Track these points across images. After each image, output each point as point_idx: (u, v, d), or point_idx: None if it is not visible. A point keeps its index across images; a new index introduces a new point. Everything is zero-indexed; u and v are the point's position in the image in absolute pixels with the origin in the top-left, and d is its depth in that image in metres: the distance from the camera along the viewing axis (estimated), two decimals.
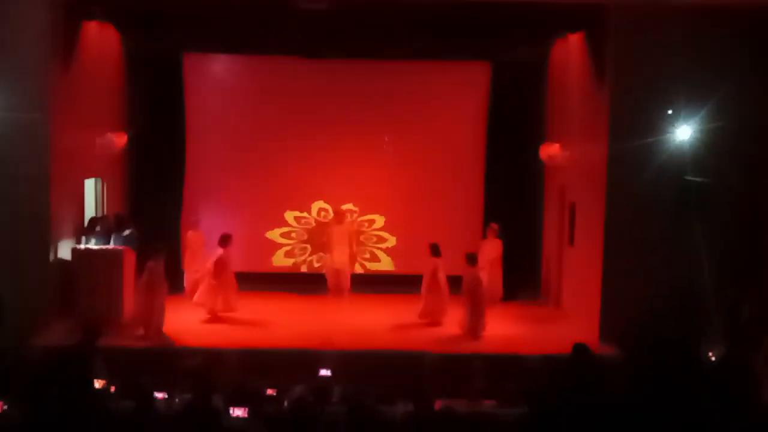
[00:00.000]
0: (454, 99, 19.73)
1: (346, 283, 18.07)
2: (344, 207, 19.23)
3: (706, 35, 14.65)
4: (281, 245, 19.83)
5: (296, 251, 19.88)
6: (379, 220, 19.82)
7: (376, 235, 19.82)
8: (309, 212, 19.74)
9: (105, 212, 17.36)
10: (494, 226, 18.36)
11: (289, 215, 19.74)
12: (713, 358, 13.34)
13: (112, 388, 10.68)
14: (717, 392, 10.17)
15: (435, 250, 16.77)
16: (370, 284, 18.81)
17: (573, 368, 10.88)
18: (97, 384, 10.48)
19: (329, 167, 19.49)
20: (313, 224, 19.60)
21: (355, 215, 19.63)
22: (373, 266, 19.77)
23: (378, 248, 19.87)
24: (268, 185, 19.57)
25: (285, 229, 19.80)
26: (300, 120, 19.38)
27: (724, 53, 14.74)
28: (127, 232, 16.27)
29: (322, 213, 19.72)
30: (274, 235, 19.77)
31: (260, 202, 19.62)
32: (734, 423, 8.86)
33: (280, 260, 19.89)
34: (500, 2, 15.20)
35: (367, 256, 19.75)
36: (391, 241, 19.84)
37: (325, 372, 11.94)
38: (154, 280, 15.03)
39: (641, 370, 11.99)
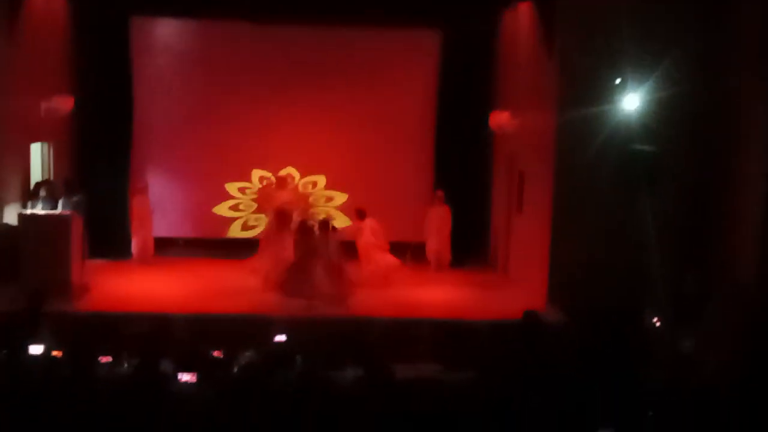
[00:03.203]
0: (404, 67, 19.71)
1: None
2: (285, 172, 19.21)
3: (654, 4, 14.74)
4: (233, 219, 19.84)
5: (249, 222, 19.82)
6: (324, 184, 19.84)
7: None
8: (250, 181, 19.69)
9: (52, 177, 17.17)
10: (440, 193, 18.49)
11: (232, 187, 19.64)
12: (658, 326, 13.56)
13: (58, 354, 10.60)
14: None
15: (360, 214, 16.86)
16: None
17: (522, 335, 11.00)
18: (42, 349, 10.40)
19: (276, 134, 19.41)
20: (256, 193, 19.52)
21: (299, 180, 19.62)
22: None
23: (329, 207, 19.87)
24: (215, 150, 19.44)
25: (231, 202, 19.73)
26: (247, 87, 19.27)
27: (672, 22, 14.80)
28: (75, 197, 16.12)
29: (264, 180, 19.66)
30: (222, 209, 19.70)
31: (207, 167, 19.48)
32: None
33: (237, 233, 19.82)
34: None
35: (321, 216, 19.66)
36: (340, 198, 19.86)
37: (280, 338, 11.93)
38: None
39: (586, 336, 12.18)
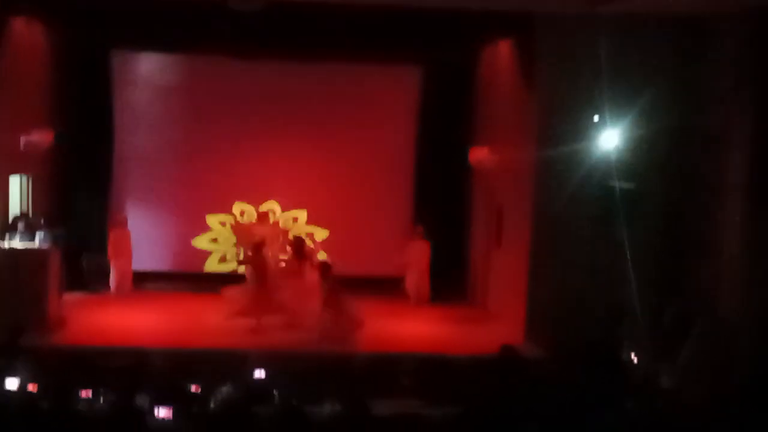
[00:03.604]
0: (384, 102, 19.81)
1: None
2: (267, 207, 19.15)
3: (634, 43, 14.87)
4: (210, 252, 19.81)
5: (228, 256, 19.78)
6: (304, 218, 19.79)
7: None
8: (230, 213, 19.64)
9: (30, 210, 17.10)
10: (419, 228, 18.55)
11: (213, 219, 19.61)
12: (635, 361, 13.57)
13: (33, 388, 10.53)
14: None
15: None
16: None
17: (499, 369, 11.01)
18: (18, 384, 10.32)
19: (257, 167, 19.43)
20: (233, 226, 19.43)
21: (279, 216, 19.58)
22: None
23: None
24: (195, 184, 19.42)
25: (211, 235, 19.69)
26: (228, 121, 19.30)
27: (651, 61, 14.96)
28: (53, 231, 16.06)
29: (244, 214, 19.63)
30: (202, 242, 19.66)
31: (187, 200, 19.46)
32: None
33: (214, 266, 19.76)
34: (430, 8, 15.29)
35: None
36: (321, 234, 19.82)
37: (259, 374, 11.89)
38: None
39: (566, 371, 12.17)
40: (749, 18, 13.37)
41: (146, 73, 19.35)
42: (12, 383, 10.11)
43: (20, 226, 15.80)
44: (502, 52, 17.39)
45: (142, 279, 18.74)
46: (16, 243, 15.49)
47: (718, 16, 14.24)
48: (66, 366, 12.76)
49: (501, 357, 11.08)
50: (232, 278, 18.03)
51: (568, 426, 8.80)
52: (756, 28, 13.33)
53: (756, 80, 13.38)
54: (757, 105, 13.36)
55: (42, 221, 16.51)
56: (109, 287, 18.14)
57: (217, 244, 19.77)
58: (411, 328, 16.57)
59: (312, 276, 15.90)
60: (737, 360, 12.91)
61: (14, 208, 16.69)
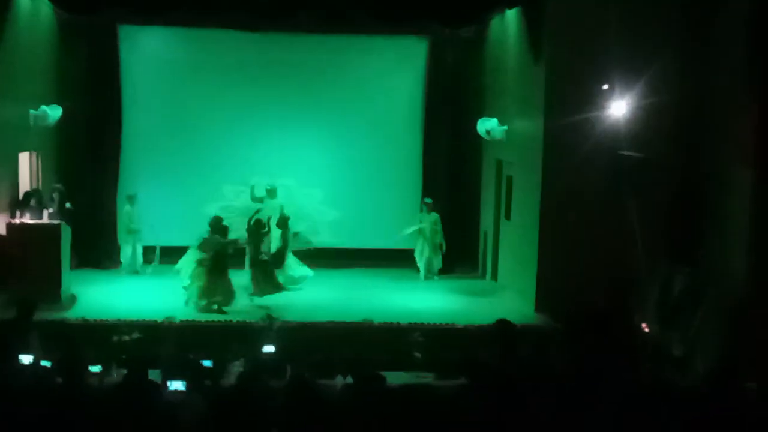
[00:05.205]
0: (393, 73, 19.72)
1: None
2: (278, 182, 18.96)
3: (642, 10, 14.82)
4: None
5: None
6: (317, 194, 19.75)
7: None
8: (246, 186, 19.46)
9: (40, 186, 17.14)
10: (428, 200, 18.51)
11: (228, 189, 19.52)
12: (646, 330, 13.61)
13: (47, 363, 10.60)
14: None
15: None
16: (310, 258, 18.73)
17: (497, 341, 11.03)
18: (31, 358, 10.38)
19: (265, 142, 19.35)
20: (250, 200, 19.26)
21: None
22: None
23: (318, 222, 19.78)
24: (204, 159, 19.35)
25: (223, 204, 19.58)
26: (237, 94, 19.25)
27: (659, 29, 14.91)
28: (63, 206, 16.11)
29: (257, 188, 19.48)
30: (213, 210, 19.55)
31: (197, 176, 19.39)
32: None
33: None
34: None
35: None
36: (331, 218, 19.79)
37: (268, 348, 11.94)
38: None
39: (574, 342, 12.20)
40: None
41: (153, 47, 19.24)
42: (26, 358, 10.16)
43: (31, 202, 15.86)
44: (510, 22, 17.31)
45: (152, 254, 18.74)
46: (27, 219, 15.55)
47: None
48: (78, 340, 12.89)
49: (496, 329, 11.11)
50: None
51: (574, 395, 8.80)
52: None
53: (764, 47, 13.28)
54: (765, 72, 13.27)
55: (52, 197, 16.56)
56: (120, 263, 18.18)
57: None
58: (422, 300, 16.63)
59: None
60: (746, 327, 12.92)
61: (24, 184, 16.74)
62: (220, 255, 15.69)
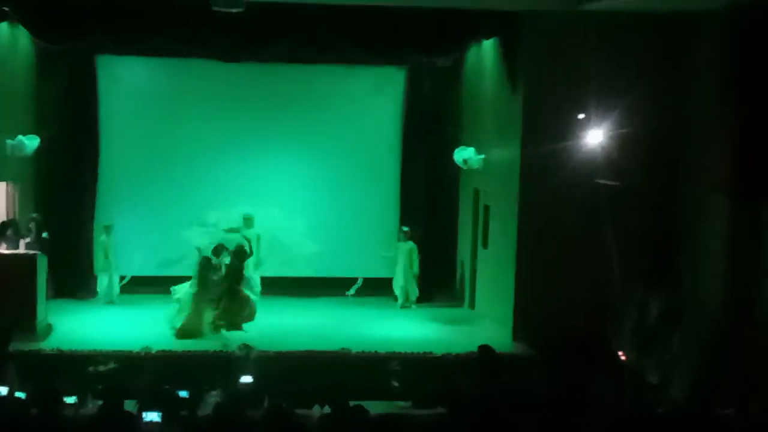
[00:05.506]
0: (371, 102, 19.73)
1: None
2: (263, 210, 18.95)
3: (618, 40, 14.97)
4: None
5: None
6: (298, 225, 19.72)
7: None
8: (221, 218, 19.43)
9: (17, 216, 17.06)
10: (406, 229, 18.51)
11: (209, 216, 19.40)
12: (623, 357, 13.63)
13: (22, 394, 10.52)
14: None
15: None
16: (286, 287, 18.73)
17: (479, 368, 11.06)
18: (6, 390, 10.31)
19: (244, 170, 19.26)
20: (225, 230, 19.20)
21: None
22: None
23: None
24: (183, 189, 19.27)
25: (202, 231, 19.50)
26: (216, 123, 19.19)
27: (635, 58, 15.08)
28: (40, 236, 16.05)
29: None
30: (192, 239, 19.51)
31: (175, 206, 19.32)
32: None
33: None
34: (415, 8, 15.32)
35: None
36: (309, 246, 19.76)
37: (246, 379, 11.91)
38: None
39: (553, 368, 12.23)
40: (730, 16, 13.43)
41: (131, 77, 19.18)
42: (1, 389, 10.09)
43: (7, 232, 15.78)
44: (487, 51, 17.41)
45: (129, 284, 18.68)
46: (3, 249, 15.47)
47: (700, 14, 14.32)
48: (54, 371, 12.80)
49: (479, 357, 11.15)
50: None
51: (556, 422, 8.82)
52: (736, 25, 13.40)
53: (737, 77, 13.45)
54: (738, 101, 13.44)
55: (29, 227, 16.49)
56: (96, 293, 18.10)
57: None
58: (399, 329, 16.63)
59: None
60: (722, 351, 13.00)
61: (1, 214, 16.66)
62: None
